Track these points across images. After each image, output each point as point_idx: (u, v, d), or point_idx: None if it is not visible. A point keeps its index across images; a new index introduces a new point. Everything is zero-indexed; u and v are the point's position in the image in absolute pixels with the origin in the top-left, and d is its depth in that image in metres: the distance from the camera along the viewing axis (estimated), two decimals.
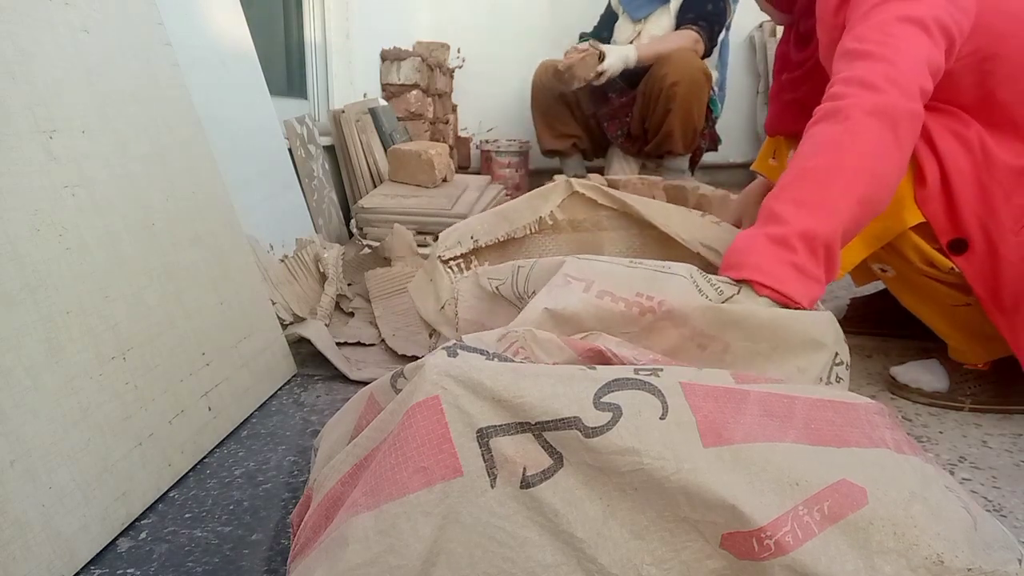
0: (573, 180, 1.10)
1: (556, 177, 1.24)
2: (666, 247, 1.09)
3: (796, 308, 0.74)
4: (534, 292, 0.80)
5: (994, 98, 0.96)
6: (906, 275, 1.08)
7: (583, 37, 2.76)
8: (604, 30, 2.79)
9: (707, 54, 2.58)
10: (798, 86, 1.24)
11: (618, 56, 2.46)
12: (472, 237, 1.09)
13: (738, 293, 0.75)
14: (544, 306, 0.72)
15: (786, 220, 0.78)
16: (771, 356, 0.72)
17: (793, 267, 0.75)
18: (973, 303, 1.03)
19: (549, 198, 1.08)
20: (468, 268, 1.08)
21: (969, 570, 0.49)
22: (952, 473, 0.93)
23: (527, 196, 1.11)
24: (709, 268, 0.91)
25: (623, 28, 2.70)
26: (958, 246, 0.97)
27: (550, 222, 1.09)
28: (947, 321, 1.10)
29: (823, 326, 0.74)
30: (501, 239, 1.08)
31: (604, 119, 2.72)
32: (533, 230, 1.07)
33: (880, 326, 1.42)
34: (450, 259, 1.07)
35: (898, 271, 1.09)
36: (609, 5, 2.82)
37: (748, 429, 0.55)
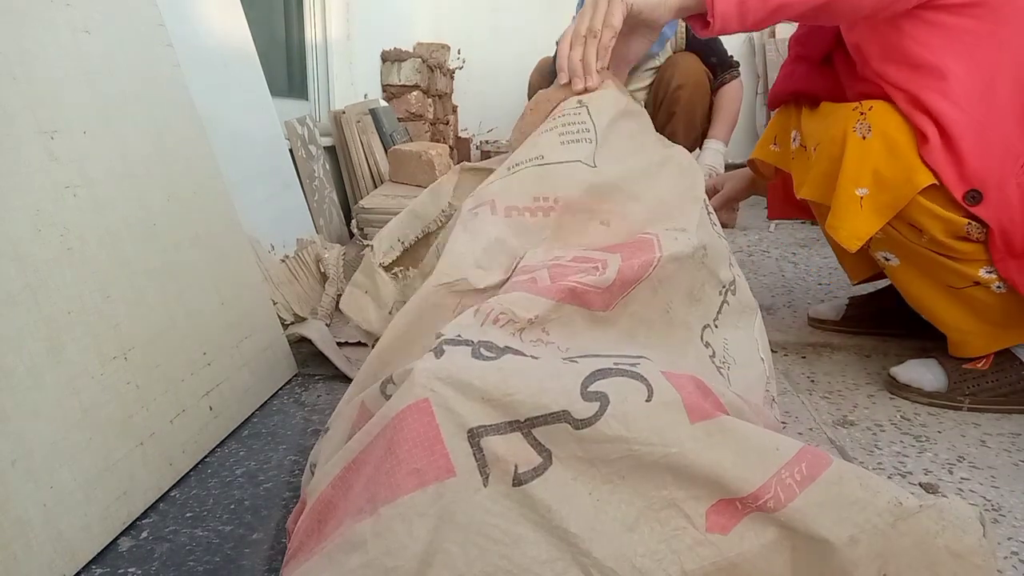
0: (464, 163, 1.12)
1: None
2: None
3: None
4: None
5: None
6: (913, 257, 1.09)
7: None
8: None
9: None
10: (804, 42, 1.26)
11: (716, 159, 2.44)
12: (399, 240, 1.13)
13: (581, 109, 0.86)
14: (467, 251, 0.77)
15: None
16: (661, 196, 0.86)
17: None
18: (982, 281, 1.03)
19: (443, 188, 1.12)
20: (406, 275, 1.12)
21: (921, 506, 0.55)
22: (951, 472, 0.93)
23: (428, 190, 1.13)
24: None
25: None
26: (974, 197, 0.99)
27: (450, 212, 1.12)
28: (951, 306, 1.10)
29: (687, 154, 0.93)
30: (419, 237, 1.12)
31: None
32: (441, 223, 1.10)
33: (880, 326, 1.42)
34: (390, 264, 1.11)
35: (904, 256, 1.10)
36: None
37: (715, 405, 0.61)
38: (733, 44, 2.87)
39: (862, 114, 1.04)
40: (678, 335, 0.77)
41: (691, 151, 2.65)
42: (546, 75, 2.73)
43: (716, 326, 0.83)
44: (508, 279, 0.74)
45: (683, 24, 2.47)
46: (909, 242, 1.06)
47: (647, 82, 2.54)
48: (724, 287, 0.86)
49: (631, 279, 0.72)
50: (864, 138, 1.03)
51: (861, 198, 1.04)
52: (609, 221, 0.83)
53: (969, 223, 1.00)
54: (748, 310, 0.92)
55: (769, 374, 0.89)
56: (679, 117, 2.47)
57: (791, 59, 1.32)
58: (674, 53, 2.50)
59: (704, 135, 2.57)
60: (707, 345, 0.80)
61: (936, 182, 0.99)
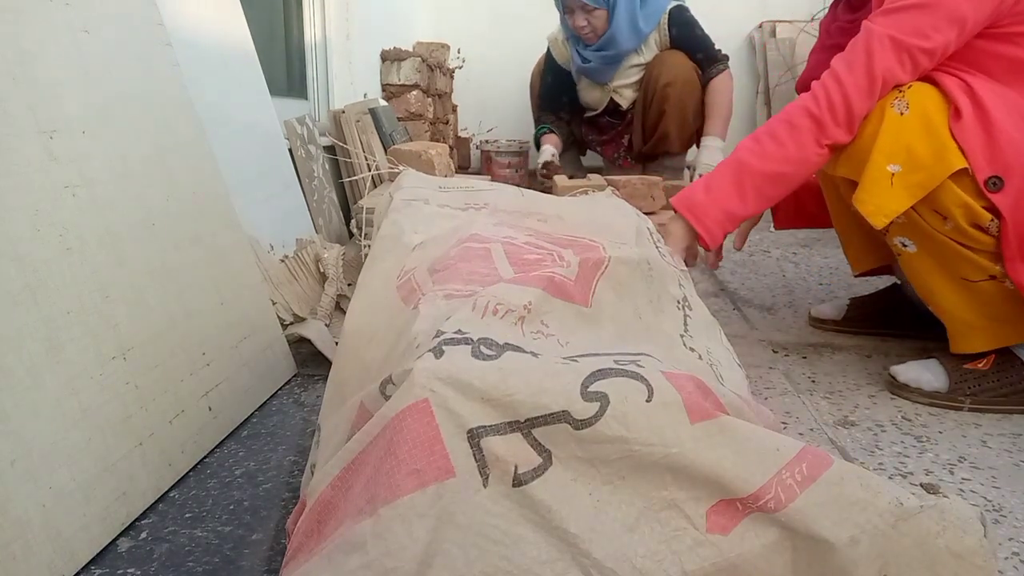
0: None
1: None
2: None
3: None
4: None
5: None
6: (932, 246, 1.08)
7: (541, 127, 2.67)
8: (563, 94, 2.66)
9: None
10: (847, 33, 1.24)
11: (715, 157, 2.35)
12: None
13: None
14: (414, 244, 0.82)
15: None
16: (594, 216, 0.96)
17: (713, 220, 1.13)
18: (998, 275, 1.03)
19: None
20: None
21: (921, 507, 0.55)
22: (952, 473, 0.93)
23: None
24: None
25: (591, 92, 2.61)
26: (995, 183, 0.99)
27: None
28: (960, 299, 1.09)
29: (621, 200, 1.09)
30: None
31: (597, 145, 2.73)
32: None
33: (880, 326, 1.42)
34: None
35: (922, 244, 1.09)
36: (553, 64, 2.66)
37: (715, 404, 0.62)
38: (732, 43, 2.86)
39: (901, 91, 1.05)
40: (660, 341, 0.78)
41: (686, 150, 2.63)
42: (543, 70, 2.73)
43: (691, 336, 0.83)
44: (455, 240, 0.79)
45: (665, 22, 2.45)
46: (931, 229, 1.06)
47: (634, 78, 2.52)
48: (679, 302, 0.88)
49: (591, 274, 0.75)
50: (902, 114, 1.03)
51: (892, 175, 1.03)
52: (546, 220, 0.91)
53: (992, 220, 1.00)
54: (711, 325, 0.93)
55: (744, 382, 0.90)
56: (670, 115, 2.44)
57: (820, 47, 1.32)
58: (660, 51, 2.49)
59: (698, 132, 2.55)
60: (691, 350, 0.80)
61: (967, 166, 0.99)
